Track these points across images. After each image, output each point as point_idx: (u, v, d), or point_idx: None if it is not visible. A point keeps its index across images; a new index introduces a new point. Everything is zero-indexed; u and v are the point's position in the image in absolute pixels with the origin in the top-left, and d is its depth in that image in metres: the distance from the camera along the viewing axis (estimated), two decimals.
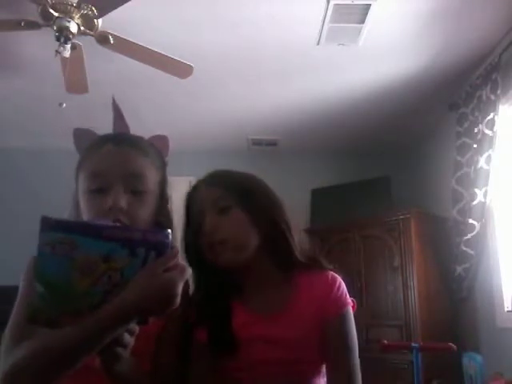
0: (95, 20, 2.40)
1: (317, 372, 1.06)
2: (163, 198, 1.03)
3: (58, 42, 2.37)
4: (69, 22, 2.33)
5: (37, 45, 2.79)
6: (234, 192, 1.07)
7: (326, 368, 1.06)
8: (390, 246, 3.51)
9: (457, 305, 3.41)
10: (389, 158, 4.48)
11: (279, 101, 3.62)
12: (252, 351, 1.01)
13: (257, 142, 4.40)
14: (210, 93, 3.47)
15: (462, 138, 3.22)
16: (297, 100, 3.60)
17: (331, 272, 1.10)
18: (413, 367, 2.29)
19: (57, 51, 2.38)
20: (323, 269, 1.11)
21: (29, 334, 0.80)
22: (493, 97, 2.82)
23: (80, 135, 1.04)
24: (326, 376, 1.06)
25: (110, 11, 2.33)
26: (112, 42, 2.53)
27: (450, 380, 2.92)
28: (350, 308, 1.08)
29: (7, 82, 3.29)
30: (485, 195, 2.90)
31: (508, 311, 2.84)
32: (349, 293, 1.09)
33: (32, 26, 2.42)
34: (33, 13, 2.38)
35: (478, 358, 2.75)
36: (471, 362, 2.75)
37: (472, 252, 3.07)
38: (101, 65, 2.95)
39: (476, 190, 2.94)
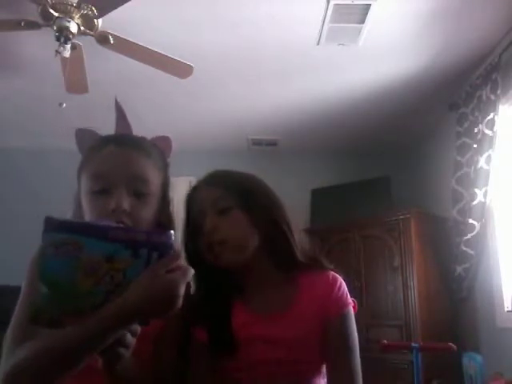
0: (95, 20, 2.41)
1: (317, 372, 1.05)
2: (165, 199, 1.03)
3: (58, 42, 2.37)
4: (69, 21, 2.34)
5: (37, 45, 2.79)
6: (234, 192, 1.07)
7: (327, 368, 1.06)
8: (390, 246, 3.51)
9: (457, 305, 3.41)
10: (389, 157, 4.48)
11: (279, 101, 3.62)
12: (252, 351, 1.01)
13: (257, 142, 4.40)
14: (209, 93, 3.47)
15: (461, 138, 3.22)
16: (297, 100, 3.60)
17: (332, 272, 1.10)
18: (413, 367, 2.29)
19: (57, 51, 2.39)
20: (324, 269, 1.11)
21: (31, 335, 0.80)
22: (493, 97, 2.82)
23: (82, 135, 1.04)
24: (326, 376, 1.06)
25: (110, 11, 2.33)
26: (112, 41, 2.53)
27: (450, 380, 2.92)
28: (351, 308, 1.07)
29: (7, 82, 3.29)
30: (485, 195, 2.90)
31: (508, 311, 2.84)
32: (349, 293, 1.09)
33: (32, 25, 2.43)
34: (33, 13, 2.38)
35: (478, 357, 2.75)
36: (471, 362, 2.75)
37: (472, 252, 3.07)
38: (101, 65, 2.95)
39: (476, 190, 2.94)
